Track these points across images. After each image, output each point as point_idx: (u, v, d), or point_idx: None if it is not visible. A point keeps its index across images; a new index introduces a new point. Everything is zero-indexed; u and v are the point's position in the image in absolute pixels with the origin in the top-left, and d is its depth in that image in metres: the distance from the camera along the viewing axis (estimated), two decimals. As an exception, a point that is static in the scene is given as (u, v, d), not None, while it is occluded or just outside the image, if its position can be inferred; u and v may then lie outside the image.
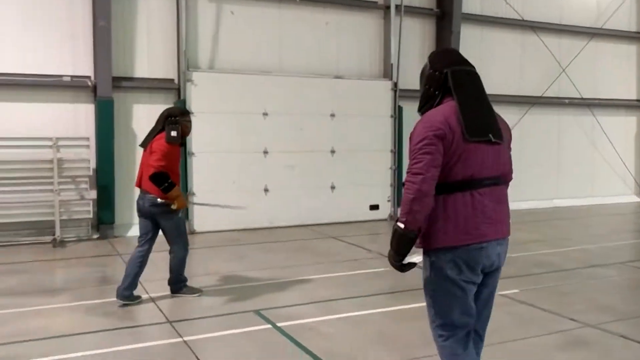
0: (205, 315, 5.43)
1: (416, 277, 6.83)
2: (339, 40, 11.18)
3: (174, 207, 5.53)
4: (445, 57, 3.09)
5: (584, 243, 8.94)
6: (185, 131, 5.69)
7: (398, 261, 2.89)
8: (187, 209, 5.43)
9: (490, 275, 2.99)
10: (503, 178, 2.98)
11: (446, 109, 2.86)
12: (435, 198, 2.80)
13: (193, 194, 9.73)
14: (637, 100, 14.83)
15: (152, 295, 6.02)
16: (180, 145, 5.65)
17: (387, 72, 11.47)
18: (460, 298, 2.89)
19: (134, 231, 9.57)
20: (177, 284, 5.99)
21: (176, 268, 5.93)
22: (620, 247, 8.89)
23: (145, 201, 5.61)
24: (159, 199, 5.51)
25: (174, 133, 5.49)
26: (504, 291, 6.11)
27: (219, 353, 4.48)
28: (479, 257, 2.85)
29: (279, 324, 5.09)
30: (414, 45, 11.88)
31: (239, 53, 10.30)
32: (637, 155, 14.97)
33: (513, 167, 3.12)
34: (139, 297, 5.82)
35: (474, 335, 3.08)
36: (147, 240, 5.76)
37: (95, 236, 9.27)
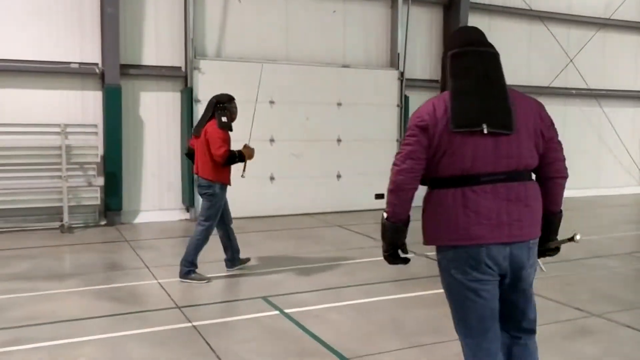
0: (213, 302, 5.49)
1: (421, 266, 6.89)
2: (346, 29, 11.16)
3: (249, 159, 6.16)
4: (458, 37, 2.81)
5: (589, 234, 8.94)
6: (233, 117, 6.10)
7: (386, 251, 2.82)
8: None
9: (511, 280, 2.66)
10: (519, 173, 2.61)
11: (442, 97, 2.66)
12: (429, 192, 2.71)
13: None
14: (645, 92, 14.78)
15: (161, 281, 6.08)
16: (230, 129, 6.06)
17: (394, 61, 11.45)
18: (473, 301, 2.63)
19: (141, 218, 9.71)
20: (186, 267, 6.04)
21: (189, 249, 6.07)
22: (625, 238, 8.91)
23: (199, 185, 6.10)
24: (208, 182, 5.96)
25: (224, 119, 5.95)
26: (510, 280, 6.16)
27: (228, 338, 4.53)
28: (479, 256, 2.58)
29: (286, 311, 5.14)
30: (421, 35, 11.85)
31: (246, 41, 10.30)
32: (643, 146, 14.94)
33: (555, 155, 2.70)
34: (248, 259, 6.56)
35: (515, 334, 2.78)
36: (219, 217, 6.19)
37: (102, 222, 9.34)
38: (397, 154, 2.69)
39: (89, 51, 9.33)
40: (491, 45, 2.74)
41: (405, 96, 11.41)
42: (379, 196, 11.30)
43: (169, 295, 5.60)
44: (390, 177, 2.67)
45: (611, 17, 13.77)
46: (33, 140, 8.74)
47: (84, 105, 9.33)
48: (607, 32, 13.90)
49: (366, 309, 5.32)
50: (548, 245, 2.86)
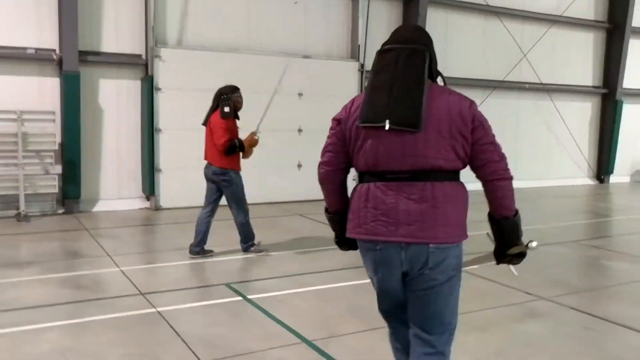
0: (176, 288, 5.55)
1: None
2: (307, 21, 11.26)
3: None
4: (391, 35, 2.76)
5: (539, 223, 9.35)
6: (237, 106, 6.50)
7: (335, 238, 2.98)
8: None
9: (412, 279, 2.62)
10: (426, 173, 2.51)
11: (363, 93, 2.68)
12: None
13: (160, 170, 9.75)
14: (593, 87, 15.39)
15: (123, 268, 6.10)
16: (234, 118, 6.42)
17: (354, 53, 11.63)
18: (377, 289, 2.78)
19: (100, 206, 9.63)
20: (245, 243, 6.72)
21: (241, 231, 6.67)
22: (573, 227, 9.35)
23: (210, 171, 6.43)
24: (220, 169, 6.34)
25: (226, 109, 6.30)
26: (463, 267, 6.42)
27: (193, 323, 4.62)
28: (375, 256, 2.63)
29: (249, 297, 5.26)
30: (381, 28, 12.01)
31: (207, 30, 10.29)
32: (591, 139, 15.59)
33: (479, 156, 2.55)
34: (211, 251, 6.65)
35: (415, 332, 2.75)
36: (210, 202, 6.51)
37: (60, 211, 9.23)
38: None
39: (46, 37, 9.18)
40: (421, 43, 2.66)
41: (366, 87, 11.58)
42: (339, 186, 11.51)
43: (132, 283, 5.63)
44: None
45: (562, 14, 14.28)
46: (-12, 126, 8.57)
47: (40, 92, 9.18)
48: (559, 29, 14.41)
49: (327, 294, 5.49)
50: (505, 253, 2.80)
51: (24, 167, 8.68)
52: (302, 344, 4.21)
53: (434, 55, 2.71)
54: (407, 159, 2.51)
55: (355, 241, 2.75)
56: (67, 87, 9.04)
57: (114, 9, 9.58)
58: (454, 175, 2.58)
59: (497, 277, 5.91)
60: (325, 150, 2.75)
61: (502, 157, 2.59)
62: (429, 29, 11.93)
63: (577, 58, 14.96)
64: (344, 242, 2.90)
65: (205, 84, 10.07)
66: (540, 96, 14.39)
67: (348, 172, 2.80)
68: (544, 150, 14.54)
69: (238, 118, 6.55)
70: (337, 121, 2.70)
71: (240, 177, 6.48)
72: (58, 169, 9.09)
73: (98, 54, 9.49)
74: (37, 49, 9.09)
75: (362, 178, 2.66)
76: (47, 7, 9.12)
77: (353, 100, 2.71)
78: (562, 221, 9.70)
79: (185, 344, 4.15)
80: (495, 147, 2.58)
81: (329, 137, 2.73)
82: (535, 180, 14.07)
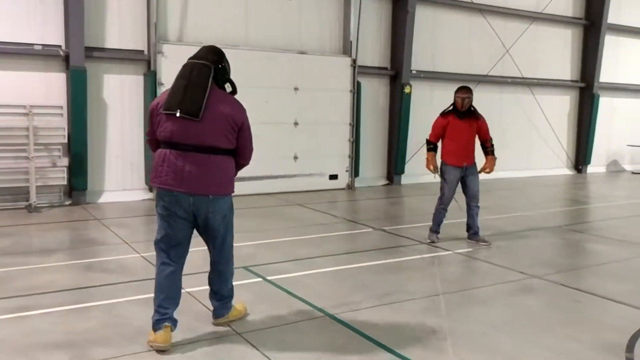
0: (199, 271, 5.94)
1: (380, 239, 7.60)
2: (302, 17, 11.66)
3: None
4: (193, 54, 4.07)
5: (524, 210, 9.95)
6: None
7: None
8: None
9: (202, 223, 4.00)
10: (204, 148, 3.85)
11: (168, 91, 3.99)
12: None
13: (163, 162, 10.11)
14: (572, 81, 16.07)
15: (143, 254, 6.49)
16: None
17: (347, 49, 12.06)
18: (163, 224, 3.99)
19: (105, 198, 9.96)
20: (468, 231, 7.34)
21: (472, 221, 7.27)
22: (555, 213, 9.97)
23: None
24: None
25: None
26: (460, 250, 6.98)
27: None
28: (172, 200, 3.90)
29: (268, 278, 5.71)
30: (372, 25, 12.52)
31: (206, 27, 10.63)
32: (569, 131, 16.29)
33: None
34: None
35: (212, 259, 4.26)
36: None
37: (67, 202, 9.54)
38: None
39: (52, 33, 9.44)
40: (209, 60, 3.94)
41: (358, 82, 12.07)
42: (333, 177, 12.00)
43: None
44: None
45: (542, 12, 14.89)
46: (-1, 121, 8.84)
47: (47, 87, 9.45)
48: (539, 26, 15.03)
49: (338, 275, 5.97)
50: None
51: (34, 160, 8.97)
52: (325, 317, 4.68)
53: (224, 69, 4.05)
54: (190, 136, 3.84)
55: None
56: (74, 82, 9.33)
57: (116, 5, 9.87)
58: (225, 152, 3.98)
59: (493, 259, 6.46)
60: (148, 128, 4.15)
61: (251, 147, 4.19)
62: (417, 25, 12.45)
63: (556, 53, 15.62)
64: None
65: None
66: (522, 90, 15.01)
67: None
68: (526, 142, 15.20)
69: None
70: (150, 108, 4.06)
71: None
72: (65, 161, 9.39)
73: (103, 49, 9.78)
74: (43, 45, 9.36)
75: (161, 145, 3.97)
76: (52, 4, 9.38)
77: (162, 96, 4.00)
78: (546, 208, 10.32)
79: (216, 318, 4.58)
80: (251, 140, 4.16)
81: (149, 119, 4.10)
82: (518, 170, 14.72)
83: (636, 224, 9.26)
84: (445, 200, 7.23)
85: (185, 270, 4.26)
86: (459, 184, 7.23)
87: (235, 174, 4.22)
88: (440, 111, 7.36)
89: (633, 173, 16.85)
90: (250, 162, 4.32)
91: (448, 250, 6.98)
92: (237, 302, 4.63)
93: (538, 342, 4.26)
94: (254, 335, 4.28)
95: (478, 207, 7.26)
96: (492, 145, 7.40)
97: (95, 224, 8.24)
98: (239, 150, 4.10)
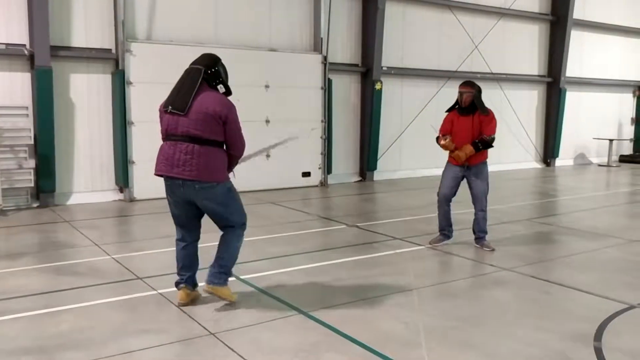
0: (171, 272, 5.89)
1: (355, 235, 7.63)
2: (272, 14, 11.62)
3: None
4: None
5: (494, 204, 10.04)
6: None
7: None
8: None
9: (197, 205, 4.66)
10: (191, 138, 4.40)
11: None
12: None
13: (133, 162, 9.99)
14: (539, 76, 16.35)
15: (114, 256, 6.41)
16: None
17: (317, 46, 12.07)
18: (170, 207, 4.76)
19: (74, 199, 9.80)
20: (474, 234, 6.96)
21: (476, 226, 6.90)
22: (525, 207, 10.14)
23: None
24: None
25: None
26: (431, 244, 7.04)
27: (196, 302, 5.01)
28: (169, 185, 4.58)
29: (242, 277, 5.69)
30: (342, 22, 12.54)
31: (175, 24, 10.52)
32: (537, 125, 16.57)
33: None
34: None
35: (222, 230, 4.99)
36: None
37: (35, 205, 9.36)
38: None
39: (16, 32, 9.24)
40: (202, 65, 4.56)
41: (329, 79, 12.08)
42: (306, 174, 12.01)
43: (127, 269, 5.97)
44: None
45: (510, 8, 15.10)
46: (-39, 122, 8.62)
47: (12, 87, 9.25)
48: (507, 22, 15.24)
49: (311, 272, 5.97)
50: None
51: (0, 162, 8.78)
52: (299, 314, 4.69)
53: (217, 73, 4.59)
54: (179, 128, 4.45)
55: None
56: (40, 82, 9.15)
57: (82, 2, 9.70)
58: (212, 143, 4.48)
59: (464, 252, 6.53)
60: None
61: (242, 141, 4.74)
62: (387, 22, 12.52)
63: (524, 49, 15.86)
64: None
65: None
66: (491, 85, 15.19)
67: None
68: (496, 136, 15.34)
69: None
70: (160, 109, 4.65)
71: None
72: (31, 163, 9.21)
73: (69, 48, 9.61)
74: (7, 45, 9.15)
75: (163, 137, 4.61)
76: (15, 2, 9.18)
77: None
78: (516, 202, 10.49)
79: (194, 320, 4.56)
80: (239, 133, 4.69)
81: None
82: (488, 164, 14.85)
83: (602, 215, 9.48)
84: (439, 197, 7.05)
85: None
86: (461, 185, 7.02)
87: (231, 165, 4.81)
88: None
89: (599, 165, 17.24)
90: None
91: (421, 245, 7.05)
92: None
93: (509, 334, 4.33)
94: (228, 335, 4.27)
95: (483, 211, 6.84)
96: (484, 141, 7.01)
97: (64, 226, 8.10)
98: (228, 142, 4.62)
